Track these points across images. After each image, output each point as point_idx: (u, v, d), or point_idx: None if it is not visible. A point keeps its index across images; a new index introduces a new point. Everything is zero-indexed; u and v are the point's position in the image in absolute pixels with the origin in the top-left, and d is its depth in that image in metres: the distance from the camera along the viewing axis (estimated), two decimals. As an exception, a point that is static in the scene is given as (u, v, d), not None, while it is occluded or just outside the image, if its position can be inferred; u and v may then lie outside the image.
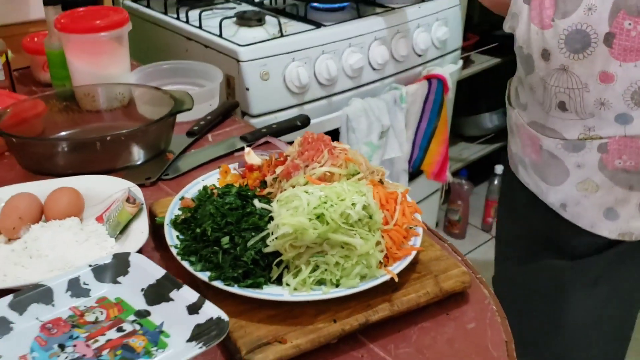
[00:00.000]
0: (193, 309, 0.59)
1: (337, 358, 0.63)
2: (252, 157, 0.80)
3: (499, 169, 2.42)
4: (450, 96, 1.87)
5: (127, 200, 0.77)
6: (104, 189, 0.83)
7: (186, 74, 1.28)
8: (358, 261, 0.65)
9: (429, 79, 1.75)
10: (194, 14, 1.57)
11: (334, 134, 1.56)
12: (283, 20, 1.55)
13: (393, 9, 1.70)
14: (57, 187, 0.80)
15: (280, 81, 1.45)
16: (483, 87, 2.77)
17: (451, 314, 0.69)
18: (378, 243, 0.66)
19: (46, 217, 0.78)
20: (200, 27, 1.52)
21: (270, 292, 0.65)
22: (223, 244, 0.66)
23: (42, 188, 0.81)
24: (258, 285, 0.65)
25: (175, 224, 0.73)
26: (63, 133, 1.01)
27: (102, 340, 0.57)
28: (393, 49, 1.66)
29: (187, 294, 0.61)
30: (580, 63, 1.07)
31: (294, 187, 0.71)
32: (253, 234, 0.67)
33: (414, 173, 1.89)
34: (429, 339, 0.66)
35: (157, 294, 0.62)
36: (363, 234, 0.65)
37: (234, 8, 1.65)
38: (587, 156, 1.14)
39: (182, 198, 0.77)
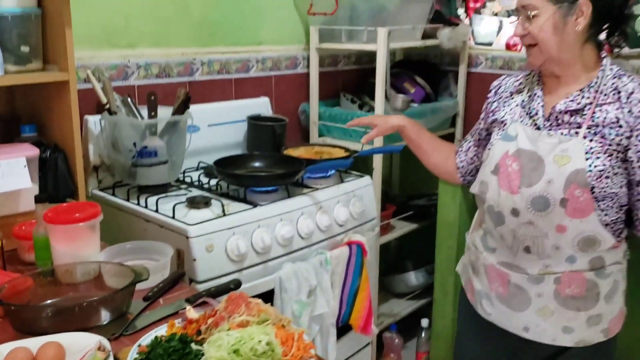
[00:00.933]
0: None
1: None
2: (192, 313, 1.10)
3: (424, 322, 2.72)
4: (370, 258, 2.20)
5: (99, 348, 1.05)
6: (80, 342, 1.10)
7: (144, 251, 1.59)
8: (263, 380, 0.93)
9: (349, 244, 2.10)
10: (152, 200, 1.93)
11: (270, 294, 1.87)
12: (226, 202, 1.90)
13: (317, 189, 2.09)
14: (45, 342, 1.08)
15: (223, 252, 1.77)
16: (408, 249, 3.16)
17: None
18: (278, 369, 0.96)
19: (37, 365, 1.05)
20: (156, 210, 1.86)
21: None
22: (168, 375, 0.95)
23: (33, 343, 1.08)
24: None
25: (135, 362, 1.01)
26: (48, 302, 1.29)
27: None
28: (317, 221, 2.02)
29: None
30: (542, 219, 1.45)
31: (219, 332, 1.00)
32: (191, 366, 0.96)
33: (344, 327, 2.17)
34: None
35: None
36: (267, 362, 0.95)
37: (185, 194, 2.01)
38: (545, 287, 1.51)
39: (139, 345, 1.05)
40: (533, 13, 1.42)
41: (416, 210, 2.82)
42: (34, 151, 1.63)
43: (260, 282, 1.84)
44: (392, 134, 1.88)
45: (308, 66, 2.68)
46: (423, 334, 2.71)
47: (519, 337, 1.58)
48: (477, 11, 2.81)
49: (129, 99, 2.02)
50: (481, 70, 2.89)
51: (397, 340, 2.66)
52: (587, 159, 1.41)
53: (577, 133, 1.44)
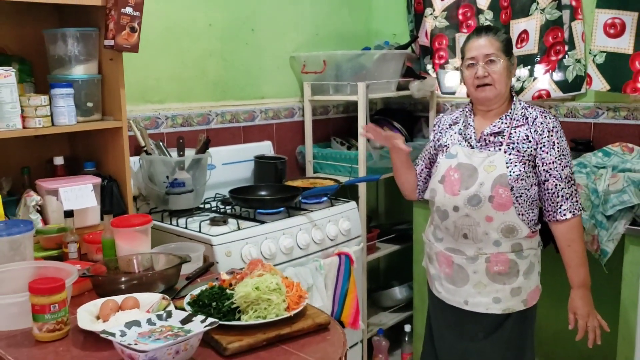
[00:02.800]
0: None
1: (266, 351, 1.39)
2: (224, 275, 1.61)
3: (407, 327, 3.19)
4: (357, 267, 2.69)
5: (163, 299, 1.55)
6: (149, 299, 1.60)
7: (181, 250, 2.08)
8: (275, 307, 1.43)
9: (339, 254, 2.60)
10: (182, 220, 2.44)
11: (276, 291, 2.36)
12: (239, 221, 2.42)
13: (312, 211, 2.61)
14: (125, 297, 1.58)
15: (238, 257, 2.27)
16: (394, 269, 3.65)
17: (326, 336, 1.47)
18: (284, 300, 1.46)
19: (122, 310, 1.55)
20: (186, 227, 2.37)
21: (235, 323, 1.42)
22: (213, 305, 1.45)
23: (117, 298, 1.58)
24: (229, 320, 1.43)
25: (189, 303, 1.51)
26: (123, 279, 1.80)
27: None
28: (313, 236, 2.53)
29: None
30: (476, 212, 1.97)
31: (245, 282, 1.52)
32: (227, 301, 1.46)
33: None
34: (314, 346, 1.43)
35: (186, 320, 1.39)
36: (277, 295, 1.45)
37: (207, 216, 2.53)
38: (479, 266, 2.02)
39: (190, 294, 1.56)
40: (494, 59, 1.98)
41: (398, 233, 3.33)
42: (97, 180, 2.16)
43: (268, 281, 2.35)
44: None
45: (303, 115, 3.25)
46: (406, 338, 3.18)
47: (461, 309, 2.08)
48: (442, 66, 3.39)
49: (161, 143, 2.57)
50: (448, 115, 3.44)
51: (384, 342, 3.13)
52: (507, 167, 1.96)
53: (499, 149, 1.99)
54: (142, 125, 2.63)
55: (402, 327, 3.21)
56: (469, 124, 2.10)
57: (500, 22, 3.10)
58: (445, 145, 2.13)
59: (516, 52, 3.04)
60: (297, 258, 2.47)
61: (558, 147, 1.98)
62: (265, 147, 3.08)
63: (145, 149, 2.49)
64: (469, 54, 2.03)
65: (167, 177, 2.46)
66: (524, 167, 1.97)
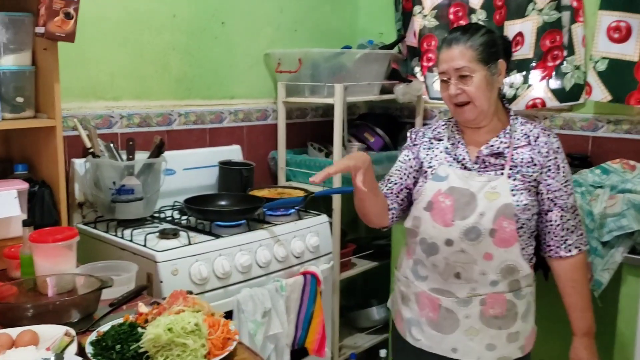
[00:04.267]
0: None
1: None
2: (142, 307, 1.35)
3: (383, 352, 2.93)
4: (326, 288, 2.44)
5: (66, 334, 1.30)
6: (51, 332, 1.35)
7: (113, 269, 1.84)
8: (190, 354, 1.18)
9: (304, 274, 2.34)
10: (127, 231, 2.19)
11: (229, 314, 2.10)
12: (192, 234, 2.16)
13: (275, 224, 2.35)
14: (22, 330, 1.33)
15: (187, 276, 2.02)
16: (373, 287, 3.39)
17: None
18: (203, 345, 1.20)
19: (16, 346, 1.29)
20: (131, 240, 2.12)
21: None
22: (117, 348, 1.20)
23: (13, 331, 1.33)
24: (134, 370, 1.17)
25: (91, 343, 1.26)
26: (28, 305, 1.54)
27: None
28: (275, 252, 2.27)
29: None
30: (473, 247, 1.67)
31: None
32: (134, 344, 1.21)
33: (300, 351, 2.39)
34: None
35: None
36: (195, 338, 1.20)
37: (158, 227, 2.27)
38: (472, 309, 1.71)
39: (97, 331, 1.30)
40: (467, 74, 1.66)
41: (376, 249, 3.07)
42: (24, 185, 1.91)
43: (220, 304, 2.08)
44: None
45: (277, 118, 2.99)
46: (382, 364, 2.92)
47: (448, 358, 1.77)
48: (430, 69, 3.14)
49: (112, 145, 2.31)
50: (435, 122, 3.19)
51: (356, 368, 2.88)
52: (513, 195, 1.67)
53: (501, 173, 1.70)
54: (92, 125, 2.38)
55: (377, 352, 2.95)
56: (458, 142, 1.80)
57: (493, 23, 2.84)
58: (430, 166, 1.82)
59: (510, 56, 2.78)
60: (256, 277, 2.21)
61: (563, 172, 1.72)
62: (234, 152, 2.82)
63: (92, 150, 2.24)
64: (440, 67, 1.73)
65: (114, 182, 2.21)
66: (529, 195, 1.69)
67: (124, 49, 2.47)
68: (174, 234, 2.15)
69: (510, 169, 1.70)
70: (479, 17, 2.91)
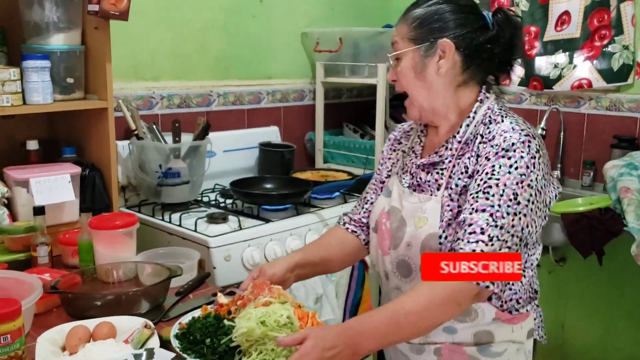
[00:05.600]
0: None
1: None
2: (222, 298, 1.30)
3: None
4: (373, 273, 2.40)
5: (145, 326, 1.25)
6: (128, 324, 1.30)
7: (173, 256, 1.78)
8: (285, 348, 1.13)
9: (352, 259, 2.30)
10: (175, 216, 2.14)
11: (280, 301, 2.06)
12: (241, 218, 2.11)
13: (322, 208, 2.30)
14: (99, 322, 1.28)
15: (239, 262, 1.97)
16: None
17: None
18: (296, 338, 1.15)
19: (94, 339, 1.25)
20: (180, 225, 2.07)
21: (233, 369, 1.12)
22: (207, 343, 1.15)
23: (89, 323, 1.28)
24: (227, 365, 1.13)
25: (176, 336, 1.21)
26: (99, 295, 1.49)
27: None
28: (323, 237, 2.22)
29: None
30: (408, 285, 1.31)
31: (247, 311, 1.21)
32: (224, 337, 1.16)
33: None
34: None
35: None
36: (288, 332, 1.15)
37: (205, 211, 2.22)
38: (427, 358, 1.35)
39: (179, 323, 1.25)
40: (397, 54, 1.29)
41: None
42: (77, 169, 1.85)
43: (272, 290, 2.04)
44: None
45: (314, 98, 2.92)
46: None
47: None
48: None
49: (155, 126, 2.25)
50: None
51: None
52: (441, 222, 1.25)
53: (437, 191, 1.29)
54: (133, 106, 2.32)
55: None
56: (416, 144, 1.41)
57: (538, 2, 2.77)
58: (388, 176, 1.47)
59: (556, 35, 2.71)
60: (306, 263, 2.16)
61: (496, 179, 1.19)
62: (272, 133, 2.76)
63: (136, 132, 2.18)
64: None
65: (160, 166, 2.15)
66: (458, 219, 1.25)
67: (163, 27, 2.40)
68: (223, 219, 2.10)
69: (447, 187, 1.28)
70: (523, -5, 2.83)
